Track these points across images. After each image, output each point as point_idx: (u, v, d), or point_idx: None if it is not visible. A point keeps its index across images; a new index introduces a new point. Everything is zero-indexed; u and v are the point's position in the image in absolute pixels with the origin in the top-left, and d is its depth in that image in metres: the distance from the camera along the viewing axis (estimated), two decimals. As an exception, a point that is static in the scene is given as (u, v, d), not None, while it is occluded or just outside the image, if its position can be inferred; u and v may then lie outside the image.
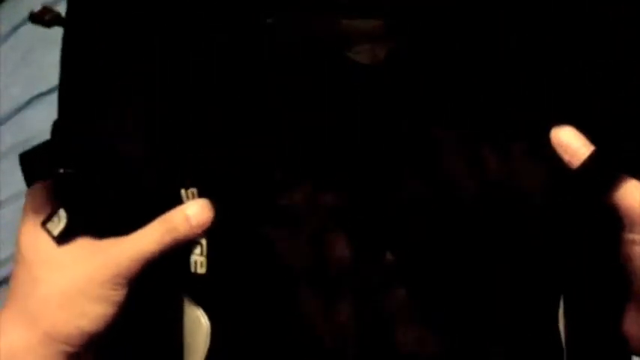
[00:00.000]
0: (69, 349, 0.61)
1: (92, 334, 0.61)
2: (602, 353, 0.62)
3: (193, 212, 0.60)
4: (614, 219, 0.59)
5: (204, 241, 0.61)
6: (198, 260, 0.61)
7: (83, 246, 0.62)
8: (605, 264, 0.60)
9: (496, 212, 0.58)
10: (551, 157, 0.59)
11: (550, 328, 0.59)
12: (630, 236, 0.58)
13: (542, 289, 0.59)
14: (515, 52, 0.58)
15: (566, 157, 0.59)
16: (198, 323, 0.61)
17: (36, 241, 0.62)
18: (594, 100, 0.59)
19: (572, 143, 0.59)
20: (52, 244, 0.62)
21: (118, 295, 0.61)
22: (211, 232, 0.61)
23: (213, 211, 0.60)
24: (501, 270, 0.58)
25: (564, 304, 0.60)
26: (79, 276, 0.61)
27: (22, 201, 0.81)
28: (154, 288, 0.63)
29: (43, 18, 0.63)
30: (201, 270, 0.61)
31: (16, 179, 0.82)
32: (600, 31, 0.59)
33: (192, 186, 0.61)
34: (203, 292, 0.61)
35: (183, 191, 0.61)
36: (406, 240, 0.58)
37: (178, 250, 0.61)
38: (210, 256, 0.61)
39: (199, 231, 0.60)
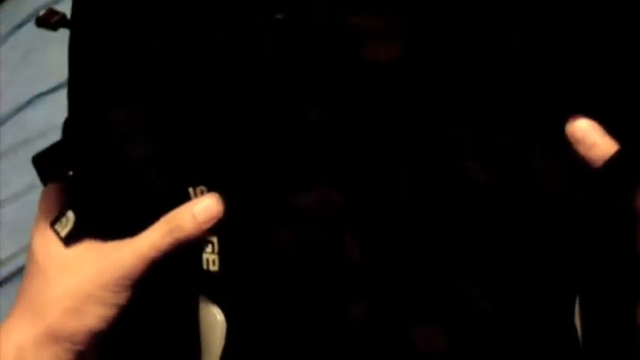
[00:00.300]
0: (74, 347, 0.62)
1: (95, 334, 0.62)
2: (618, 348, 0.62)
3: (200, 209, 0.60)
4: (630, 213, 0.58)
5: (215, 239, 0.61)
6: (209, 258, 0.61)
7: (89, 248, 0.62)
8: (620, 259, 0.60)
9: (504, 211, 0.58)
10: (557, 155, 0.59)
11: (566, 324, 0.59)
12: None
13: (557, 285, 0.59)
14: (515, 52, 0.59)
15: (581, 150, 0.58)
16: (213, 320, 0.61)
17: (46, 241, 0.63)
18: (595, 100, 0.59)
19: (588, 135, 0.58)
20: (60, 245, 0.62)
21: (120, 297, 0.61)
22: (222, 230, 0.61)
23: (223, 205, 0.60)
24: (512, 267, 0.59)
25: (580, 299, 0.60)
26: (84, 278, 0.62)
27: (23, 200, 0.81)
28: (169, 286, 0.63)
29: (49, 21, 0.63)
30: (214, 268, 0.61)
31: (16, 179, 0.82)
32: (600, 31, 0.59)
33: (200, 184, 0.61)
34: (216, 290, 0.61)
35: (191, 190, 0.61)
36: (415, 239, 0.59)
37: (190, 248, 0.61)
38: (222, 254, 0.61)
39: (207, 227, 0.60)
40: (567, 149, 0.59)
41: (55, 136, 0.65)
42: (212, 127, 0.60)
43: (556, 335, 0.59)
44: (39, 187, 0.65)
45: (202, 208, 0.60)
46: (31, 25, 0.87)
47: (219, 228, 0.61)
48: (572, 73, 0.58)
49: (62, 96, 0.65)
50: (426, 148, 0.59)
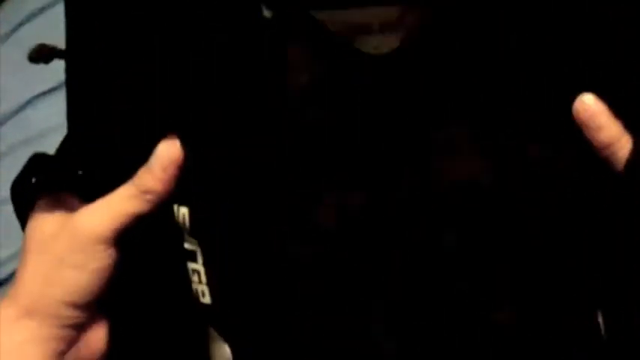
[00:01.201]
0: (50, 320, 0.61)
1: (73, 304, 0.61)
2: None
3: (154, 161, 0.60)
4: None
5: (201, 268, 0.61)
6: (199, 289, 0.61)
7: (63, 222, 0.62)
8: (627, 258, 0.59)
9: (504, 211, 0.58)
10: (558, 154, 0.59)
11: (583, 322, 0.59)
12: None
13: (557, 286, 0.59)
14: (515, 52, 0.59)
15: (588, 132, 0.57)
16: (220, 349, 0.62)
17: (30, 227, 0.63)
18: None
19: (595, 118, 0.57)
20: (39, 226, 0.62)
21: (96, 260, 0.60)
22: (207, 255, 0.61)
23: (180, 148, 0.60)
24: (512, 267, 0.59)
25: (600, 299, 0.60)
26: (57, 246, 0.61)
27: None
28: (174, 317, 0.63)
29: (40, 56, 0.63)
30: (205, 300, 0.61)
31: (16, 179, 0.82)
32: (600, 31, 0.59)
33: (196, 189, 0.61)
34: (214, 321, 0.61)
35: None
36: (415, 239, 0.58)
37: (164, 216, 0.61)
38: (211, 284, 0.61)
39: (167, 175, 0.60)
40: (567, 150, 0.59)
41: (55, 136, 0.65)
42: (212, 127, 0.60)
43: (567, 334, 0.59)
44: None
45: (157, 158, 0.60)
46: (31, 25, 0.87)
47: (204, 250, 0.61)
48: (572, 73, 0.58)
49: (62, 96, 0.65)
50: (426, 148, 0.59)
